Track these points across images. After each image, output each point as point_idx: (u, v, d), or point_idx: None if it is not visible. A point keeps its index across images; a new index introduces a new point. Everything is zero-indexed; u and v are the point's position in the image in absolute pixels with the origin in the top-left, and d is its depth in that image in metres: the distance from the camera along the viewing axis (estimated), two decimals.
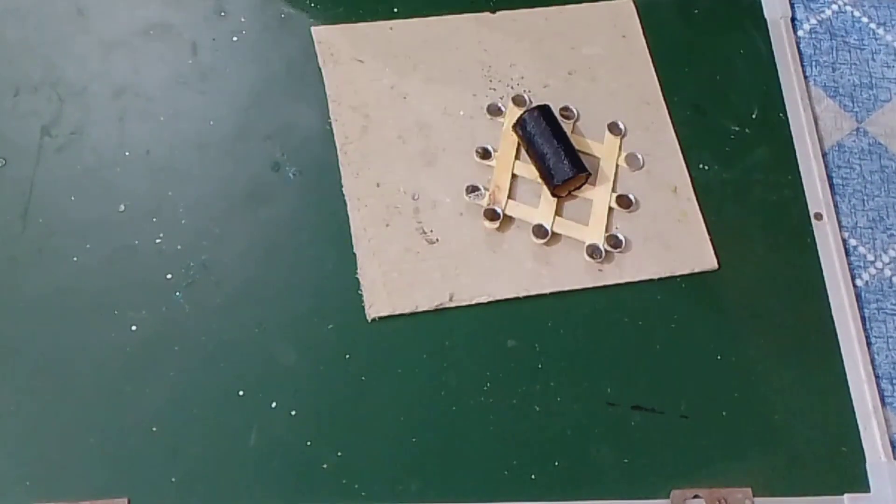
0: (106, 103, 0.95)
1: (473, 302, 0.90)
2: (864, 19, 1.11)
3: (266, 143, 0.95)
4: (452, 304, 0.90)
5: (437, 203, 0.94)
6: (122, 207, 0.91)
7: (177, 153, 0.94)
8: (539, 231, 0.93)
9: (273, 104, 0.97)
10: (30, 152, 0.92)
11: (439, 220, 0.93)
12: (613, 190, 0.96)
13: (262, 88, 0.98)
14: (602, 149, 0.98)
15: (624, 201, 0.96)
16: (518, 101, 0.99)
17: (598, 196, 0.96)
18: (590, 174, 0.95)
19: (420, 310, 0.89)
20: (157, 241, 0.90)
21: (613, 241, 0.93)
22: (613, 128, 0.99)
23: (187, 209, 0.91)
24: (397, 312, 0.89)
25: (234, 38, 0.99)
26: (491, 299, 0.90)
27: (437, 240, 0.92)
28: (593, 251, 0.93)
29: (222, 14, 1.00)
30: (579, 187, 0.96)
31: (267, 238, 0.91)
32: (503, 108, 0.99)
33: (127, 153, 0.93)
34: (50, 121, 0.94)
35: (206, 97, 0.96)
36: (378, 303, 0.89)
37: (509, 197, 0.95)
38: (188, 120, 0.95)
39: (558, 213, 0.94)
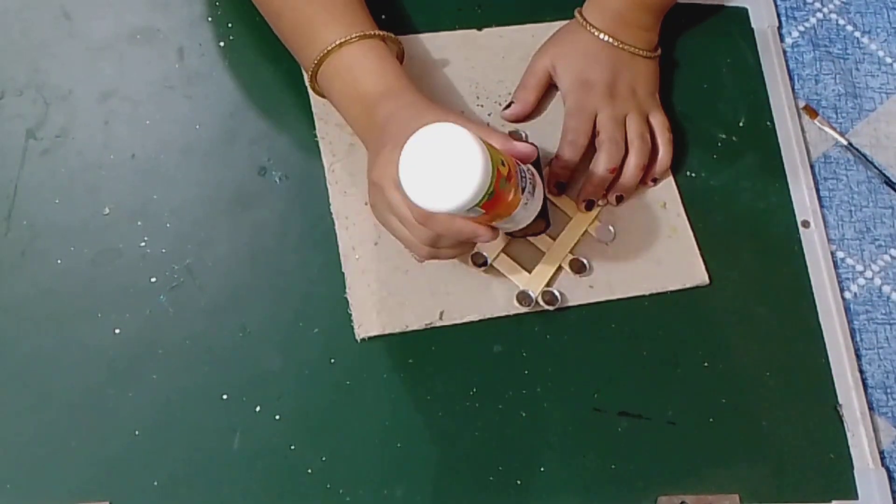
0: (91, 107, 0.95)
1: (464, 320, 0.89)
2: (849, 27, 1.12)
3: (252, 148, 0.95)
4: (443, 323, 0.89)
5: None
6: (106, 210, 0.90)
7: (162, 157, 0.93)
8: (477, 258, 0.91)
9: (259, 109, 0.97)
10: (14, 155, 0.92)
11: None
12: (571, 252, 0.93)
13: (249, 93, 0.97)
14: (578, 211, 0.95)
15: (576, 265, 0.93)
16: (514, 136, 0.97)
17: (552, 252, 0.93)
18: (549, 224, 0.91)
19: (410, 329, 0.88)
20: (142, 244, 0.89)
21: (549, 297, 0.91)
22: None
23: (172, 213, 0.91)
24: (387, 332, 0.88)
25: (221, 44, 0.99)
26: (482, 317, 0.90)
27: None
28: (523, 297, 0.90)
29: (209, 19, 1.00)
30: (536, 234, 0.93)
31: (252, 242, 0.91)
32: None
33: (112, 156, 0.93)
34: (35, 124, 0.93)
35: (193, 101, 0.96)
36: (367, 323, 0.88)
37: None
38: (174, 124, 0.95)
39: (506, 250, 0.92)
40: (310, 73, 0.90)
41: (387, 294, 0.89)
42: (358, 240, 0.91)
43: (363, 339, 0.87)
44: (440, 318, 0.89)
